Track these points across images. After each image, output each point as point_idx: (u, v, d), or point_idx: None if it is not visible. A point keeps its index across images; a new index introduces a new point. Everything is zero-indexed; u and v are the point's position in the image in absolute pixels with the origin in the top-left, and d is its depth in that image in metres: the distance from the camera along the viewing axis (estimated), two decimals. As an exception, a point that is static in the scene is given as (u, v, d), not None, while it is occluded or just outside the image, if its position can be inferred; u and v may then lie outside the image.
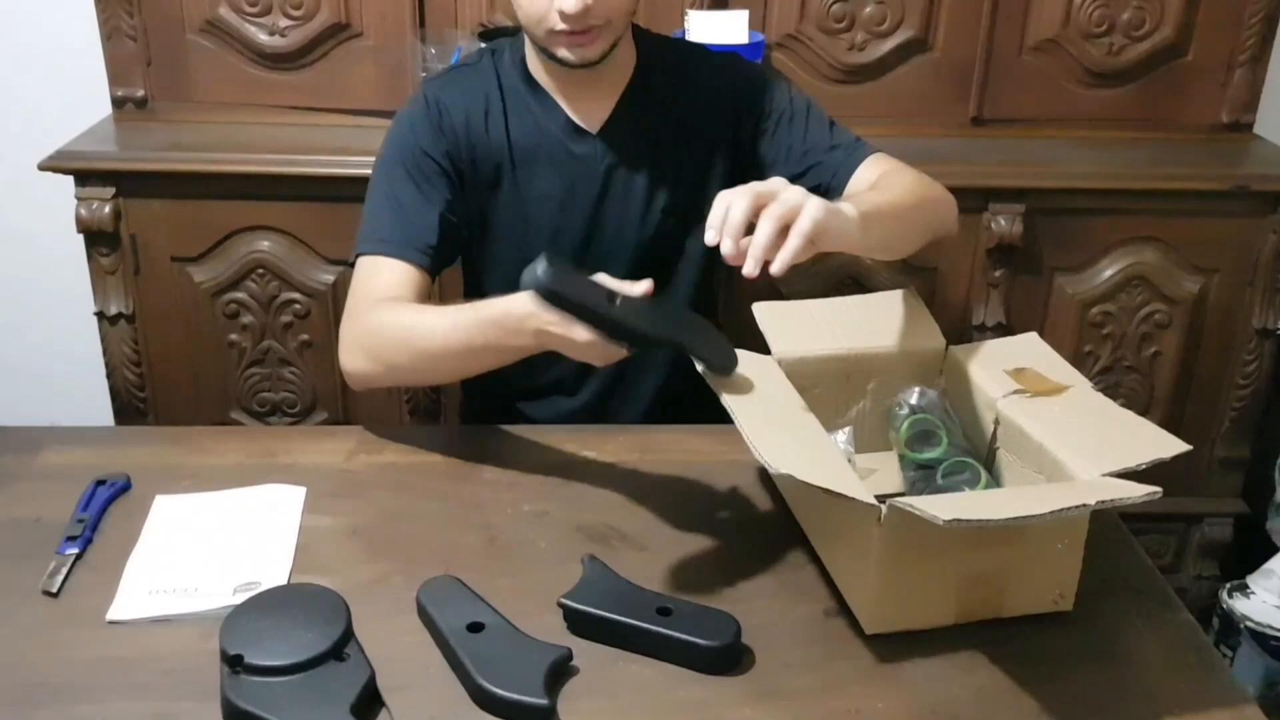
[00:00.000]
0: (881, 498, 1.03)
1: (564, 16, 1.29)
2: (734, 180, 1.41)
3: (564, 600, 1.06)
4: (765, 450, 1.05)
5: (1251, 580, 2.11)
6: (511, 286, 1.46)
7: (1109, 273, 2.04)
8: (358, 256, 1.40)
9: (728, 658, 1.02)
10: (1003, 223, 1.96)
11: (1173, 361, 2.11)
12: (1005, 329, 1.99)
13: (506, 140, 1.43)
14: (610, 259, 1.44)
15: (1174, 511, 2.20)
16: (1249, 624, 2.05)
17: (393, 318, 1.32)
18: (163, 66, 2.02)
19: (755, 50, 1.90)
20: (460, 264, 1.55)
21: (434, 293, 1.44)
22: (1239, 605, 2.09)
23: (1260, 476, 2.22)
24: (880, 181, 1.38)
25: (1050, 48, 2.07)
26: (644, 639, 1.03)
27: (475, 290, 1.54)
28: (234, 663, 0.94)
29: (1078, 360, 2.05)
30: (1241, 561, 2.20)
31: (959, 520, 0.94)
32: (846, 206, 1.15)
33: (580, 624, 1.06)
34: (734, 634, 1.02)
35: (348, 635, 0.98)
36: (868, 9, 2.02)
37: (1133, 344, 2.09)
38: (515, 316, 1.20)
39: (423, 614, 1.06)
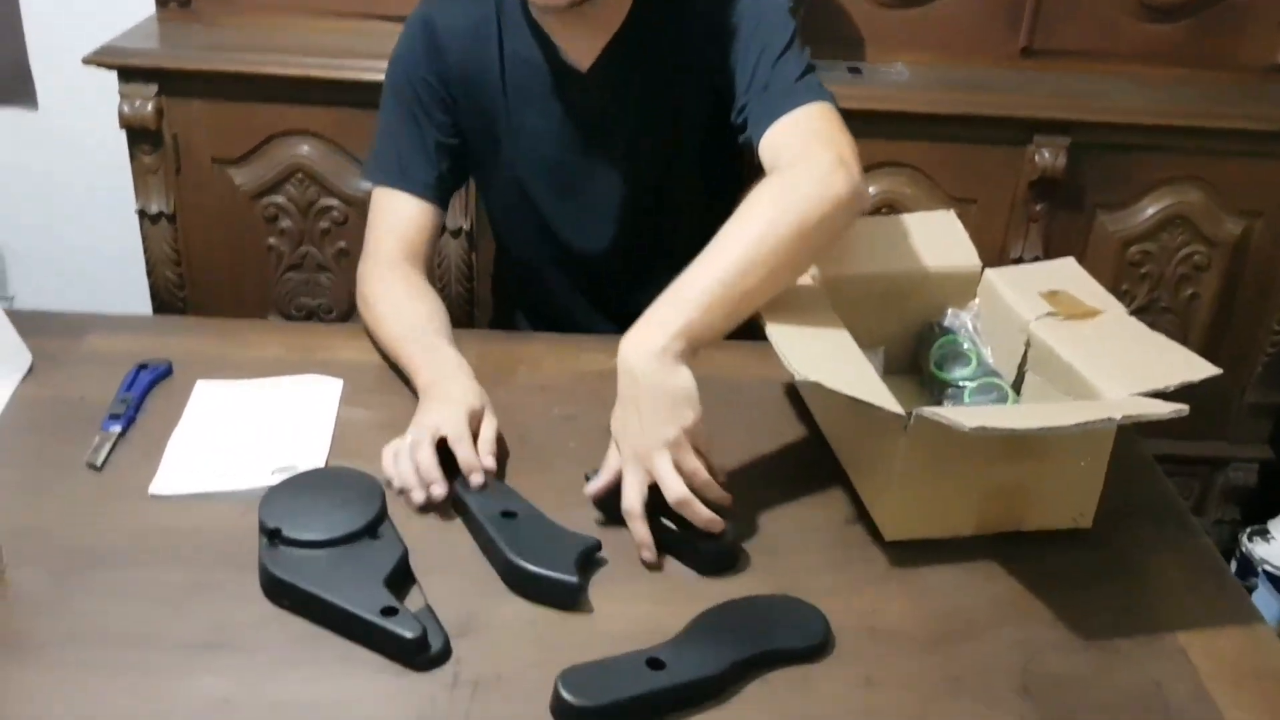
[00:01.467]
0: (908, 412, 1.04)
1: None
2: (720, 111, 1.37)
3: (590, 473, 1.10)
4: (794, 358, 1.07)
5: (1272, 525, 2.12)
6: (510, 212, 1.49)
7: (1151, 211, 2.03)
8: (371, 184, 1.43)
9: (717, 561, 1.04)
10: (1046, 156, 1.94)
11: (1209, 304, 2.10)
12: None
13: (500, 67, 1.39)
14: (602, 199, 1.44)
15: (1200, 455, 2.20)
16: (1267, 567, 2.07)
17: (385, 293, 1.37)
18: (206, -34, 2.03)
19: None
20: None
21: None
22: (1258, 549, 2.10)
23: (1288, 423, 2.23)
24: (740, 211, 1.15)
25: (1105, -21, 2.04)
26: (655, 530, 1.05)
27: (486, 204, 1.56)
28: (272, 535, 0.97)
29: (1115, 298, 2.04)
30: (1265, 507, 2.20)
31: (984, 429, 0.95)
32: (665, 345, 1.07)
33: (606, 507, 1.09)
34: (730, 538, 1.04)
35: (382, 515, 1.01)
36: (917, -64, 2.00)
37: (1170, 285, 2.08)
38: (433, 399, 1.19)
39: (458, 503, 1.09)
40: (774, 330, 1.13)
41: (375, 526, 1.00)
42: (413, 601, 0.96)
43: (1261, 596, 2.08)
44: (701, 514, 1.02)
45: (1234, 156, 1.99)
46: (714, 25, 1.35)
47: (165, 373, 1.30)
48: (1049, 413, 1.03)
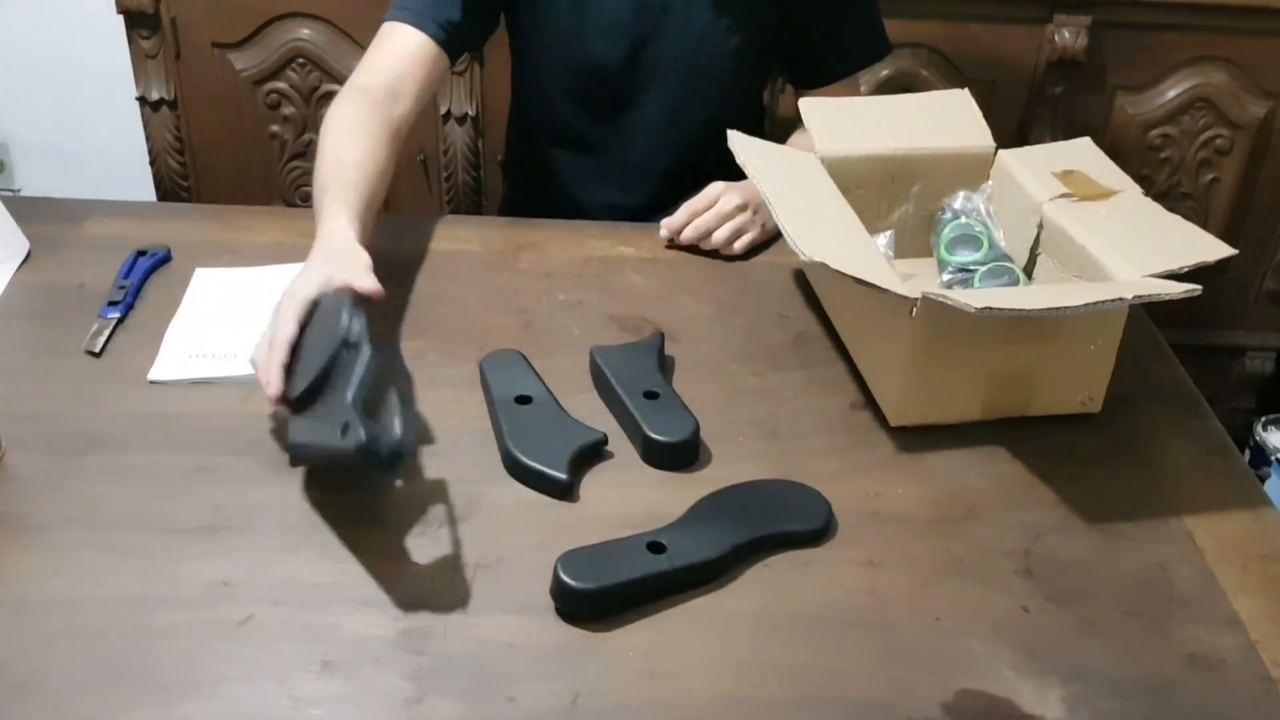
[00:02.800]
0: (916, 296, 1.02)
1: None
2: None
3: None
4: (799, 238, 1.05)
5: (1287, 415, 2.11)
6: (559, 67, 1.43)
7: (1172, 94, 1.97)
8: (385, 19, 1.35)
9: (675, 457, 1.02)
10: (1067, 35, 1.88)
11: (1230, 190, 2.05)
12: (1059, 148, 1.93)
13: None
14: (660, 69, 1.42)
15: (1217, 344, 2.17)
16: (1279, 456, 2.06)
17: (331, 127, 1.26)
18: None
19: None
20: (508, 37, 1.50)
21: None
22: (1272, 438, 2.09)
23: (1308, 313, 2.19)
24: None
25: None
26: (623, 419, 1.05)
27: (521, 66, 1.50)
28: (292, 407, 0.95)
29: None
30: (1278, 395, 2.19)
31: (991, 309, 0.94)
32: None
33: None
34: (690, 432, 1.02)
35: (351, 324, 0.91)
36: None
37: (1191, 169, 2.03)
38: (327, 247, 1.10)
39: (482, 380, 1.09)
40: (782, 212, 1.10)
41: (348, 342, 0.91)
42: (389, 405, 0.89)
43: (1274, 485, 2.07)
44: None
45: (1260, 35, 1.92)
46: None
47: (164, 259, 1.29)
48: (1058, 293, 1.01)
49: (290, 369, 0.96)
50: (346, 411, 0.85)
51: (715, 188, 1.35)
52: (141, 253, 1.28)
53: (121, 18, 1.91)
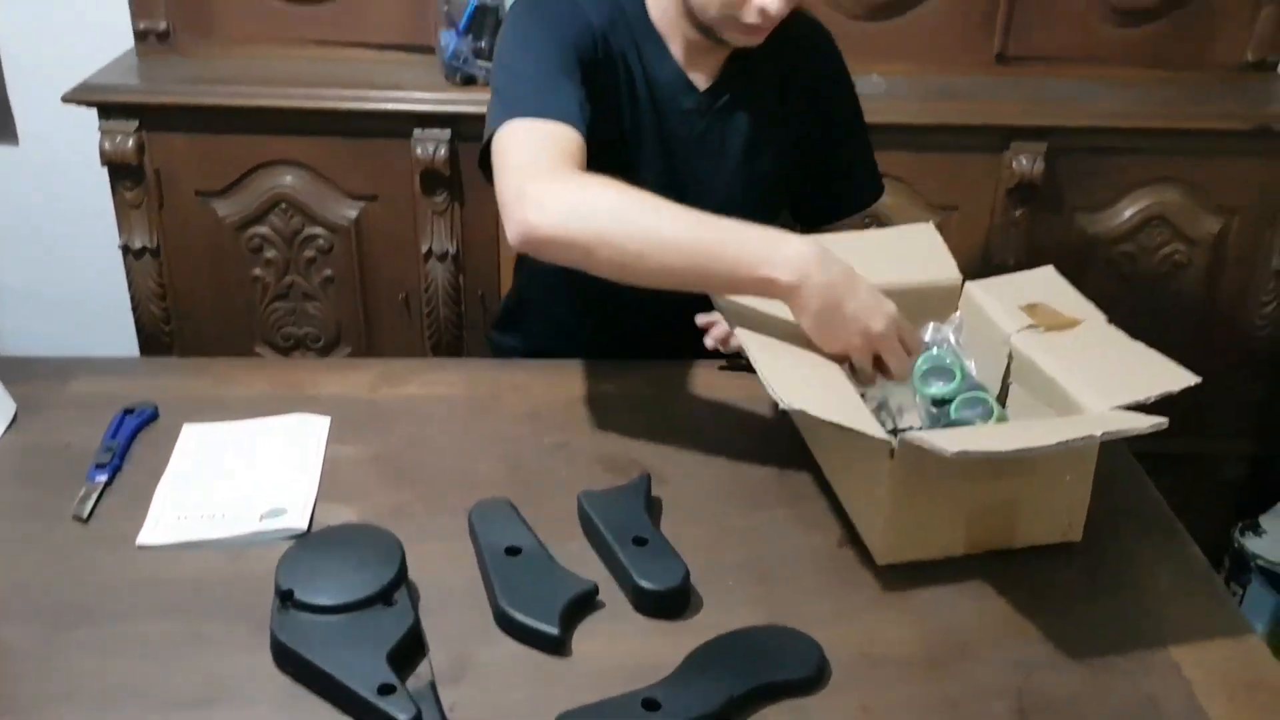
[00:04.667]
0: (897, 431, 1.04)
1: (763, 15, 1.27)
2: (807, 142, 1.50)
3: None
4: (778, 386, 1.07)
5: (1264, 519, 2.13)
6: None
7: (1130, 212, 2.04)
8: (502, 124, 1.23)
9: (666, 605, 1.02)
10: (1024, 162, 1.95)
11: (1192, 301, 2.11)
12: (1025, 269, 1.97)
13: (624, 65, 1.37)
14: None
15: (1188, 451, 2.20)
16: (1260, 562, 2.07)
17: (617, 187, 1.16)
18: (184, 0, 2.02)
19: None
20: None
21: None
22: (1250, 544, 2.10)
23: (1275, 417, 2.23)
24: None
25: (1075, -16, 2.05)
26: (613, 566, 1.06)
27: None
28: (285, 598, 0.95)
29: (1097, 299, 2.04)
30: (1254, 501, 2.21)
31: (966, 452, 0.96)
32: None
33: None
34: (680, 580, 1.02)
35: (399, 580, 0.98)
36: (891, -55, 2.01)
37: (1152, 283, 2.09)
38: (787, 251, 1.12)
39: (471, 532, 1.09)
40: (758, 356, 1.13)
41: (390, 593, 0.97)
42: (419, 677, 0.93)
43: (1256, 592, 2.08)
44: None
45: (1209, 155, 2.00)
46: (809, 65, 1.46)
47: (151, 417, 1.30)
48: (1030, 432, 1.04)
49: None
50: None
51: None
52: (128, 411, 1.29)
53: (106, 169, 1.95)
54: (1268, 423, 2.23)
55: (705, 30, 1.34)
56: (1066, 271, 2.01)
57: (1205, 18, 2.08)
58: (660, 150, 1.42)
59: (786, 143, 1.48)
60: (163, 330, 2.07)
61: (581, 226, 1.14)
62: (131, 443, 1.25)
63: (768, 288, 1.13)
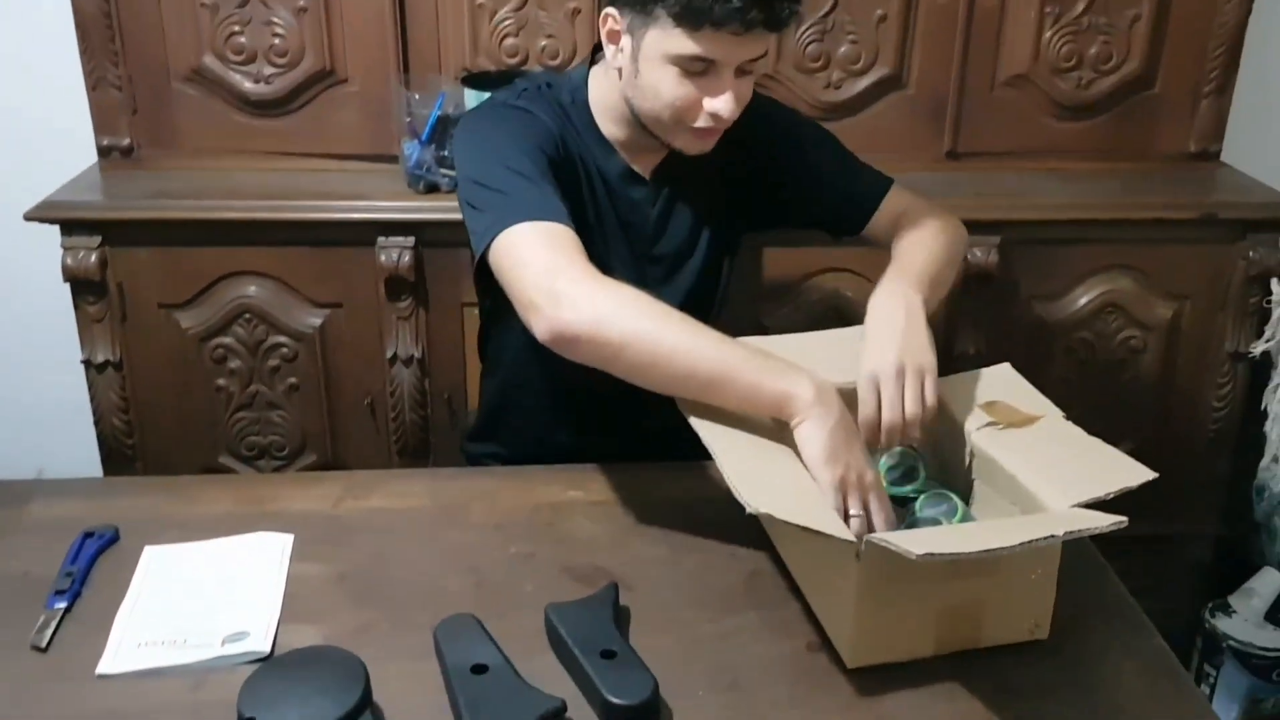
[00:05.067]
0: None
1: (715, 119, 1.32)
2: (766, 205, 1.54)
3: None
4: (744, 489, 1.08)
5: (1233, 600, 2.14)
6: None
7: (1084, 300, 2.08)
8: (502, 230, 1.27)
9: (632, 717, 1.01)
10: (979, 254, 1.99)
11: (1149, 386, 2.14)
12: (984, 358, 2.01)
13: (580, 163, 1.43)
14: (657, 291, 1.44)
15: (1154, 533, 2.21)
16: (1231, 643, 2.08)
17: (642, 294, 1.23)
18: (148, 115, 2.05)
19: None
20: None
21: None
22: (1221, 625, 2.11)
23: (1238, 497, 2.25)
24: (912, 235, 1.44)
25: (1021, 83, 2.12)
26: (581, 681, 1.05)
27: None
28: None
29: (1056, 386, 2.05)
30: (1222, 581, 2.22)
31: (931, 555, 0.97)
32: (912, 297, 1.30)
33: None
34: (649, 693, 1.01)
35: (363, 705, 0.96)
36: (843, 48, 2.07)
37: (1110, 369, 2.12)
38: (807, 375, 1.20)
39: (437, 650, 1.08)
40: (723, 458, 1.14)
41: (354, 718, 0.95)
42: None
43: (1229, 673, 2.08)
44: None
45: (1158, 243, 2.06)
46: (754, 136, 1.48)
47: (112, 539, 1.28)
48: (993, 532, 1.05)
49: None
50: None
51: (864, 381, 1.24)
52: (89, 534, 1.27)
53: (68, 285, 1.95)
54: (1232, 502, 2.25)
55: (656, 139, 1.38)
56: (1026, 360, 2.04)
57: (1147, 111, 2.15)
58: (623, 239, 1.46)
59: (732, 211, 1.52)
60: (125, 444, 2.05)
61: (615, 327, 1.20)
62: (92, 567, 1.23)
63: (785, 401, 1.19)
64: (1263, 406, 2.15)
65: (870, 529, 1.16)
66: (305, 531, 1.29)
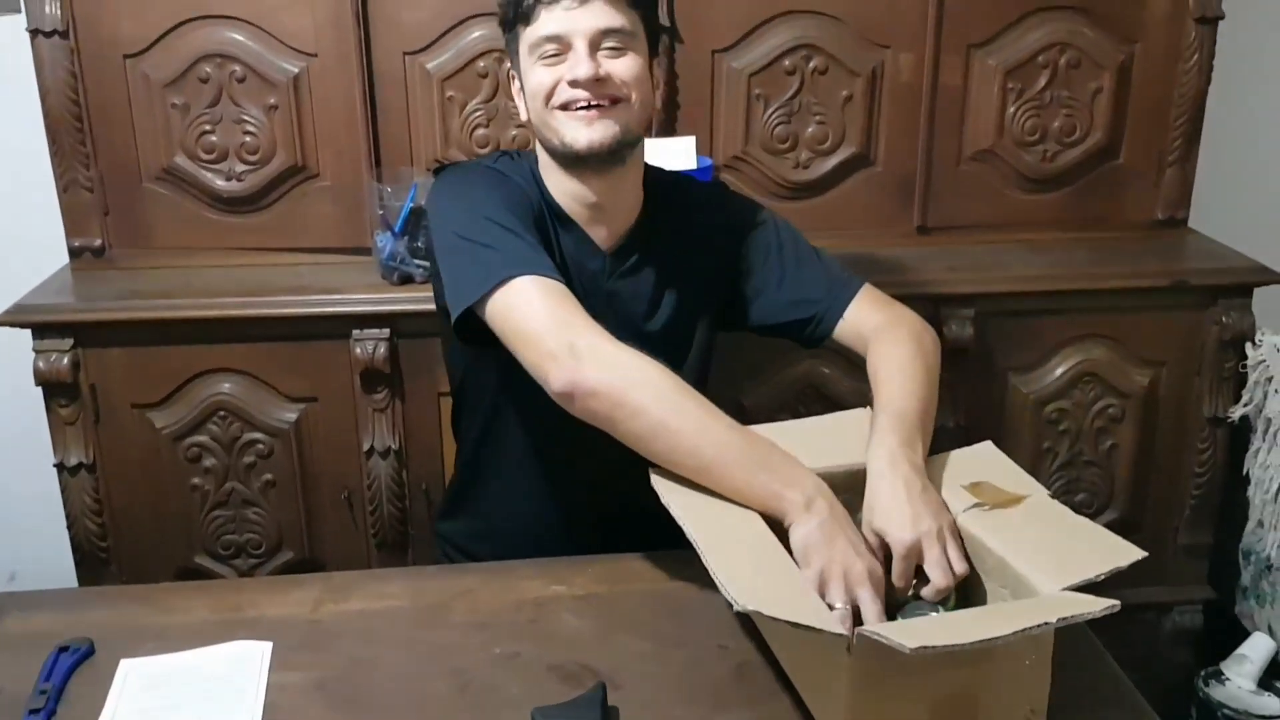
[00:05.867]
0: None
1: (576, 84, 1.33)
2: (728, 308, 1.53)
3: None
4: (732, 586, 1.07)
5: (1225, 666, 2.12)
6: (518, 382, 1.35)
7: (1060, 370, 2.09)
8: (500, 282, 1.29)
9: None
10: (954, 328, 2.00)
11: (1130, 453, 2.14)
12: (963, 430, 2.01)
13: (549, 232, 1.44)
14: None
15: (1143, 602, 2.21)
16: (1226, 711, 2.06)
17: (664, 368, 1.26)
18: (120, 215, 2.05)
19: (704, 174, 1.95)
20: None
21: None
22: (1215, 693, 2.09)
23: (1225, 561, 2.25)
24: (889, 361, 1.41)
25: (987, 157, 2.15)
26: None
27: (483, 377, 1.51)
28: None
29: (1037, 457, 2.09)
30: (1213, 648, 2.21)
31: (925, 648, 0.95)
32: (914, 458, 1.27)
33: None
34: None
35: None
36: (810, 129, 2.09)
37: (1089, 438, 2.12)
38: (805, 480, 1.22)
39: None
40: (709, 556, 1.12)
41: None
42: None
43: (1225, 743, 2.06)
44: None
45: (1131, 311, 2.07)
46: (714, 233, 1.51)
47: (87, 653, 1.25)
48: (986, 621, 1.04)
49: None
50: None
51: (903, 550, 1.20)
52: (63, 648, 1.24)
53: (40, 388, 1.93)
54: (1218, 567, 2.25)
55: (568, 160, 1.39)
56: (1006, 431, 2.06)
57: (1113, 181, 2.19)
58: (586, 306, 1.44)
59: (691, 296, 1.51)
60: (99, 546, 2.02)
61: (633, 390, 1.24)
62: (67, 682, 1.20)
63: (778, 500, 1.21)
64: (1245, 471, 2.15)
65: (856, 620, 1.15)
66: (284, 638, 1.27)
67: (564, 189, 1.44)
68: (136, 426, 1.98)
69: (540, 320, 1.27)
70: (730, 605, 1.04)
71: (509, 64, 1.44)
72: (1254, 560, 2.20)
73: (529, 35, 1.36)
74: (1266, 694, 2.09)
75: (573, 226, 1.45)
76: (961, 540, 1.22)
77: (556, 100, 1.35)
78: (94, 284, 2.01)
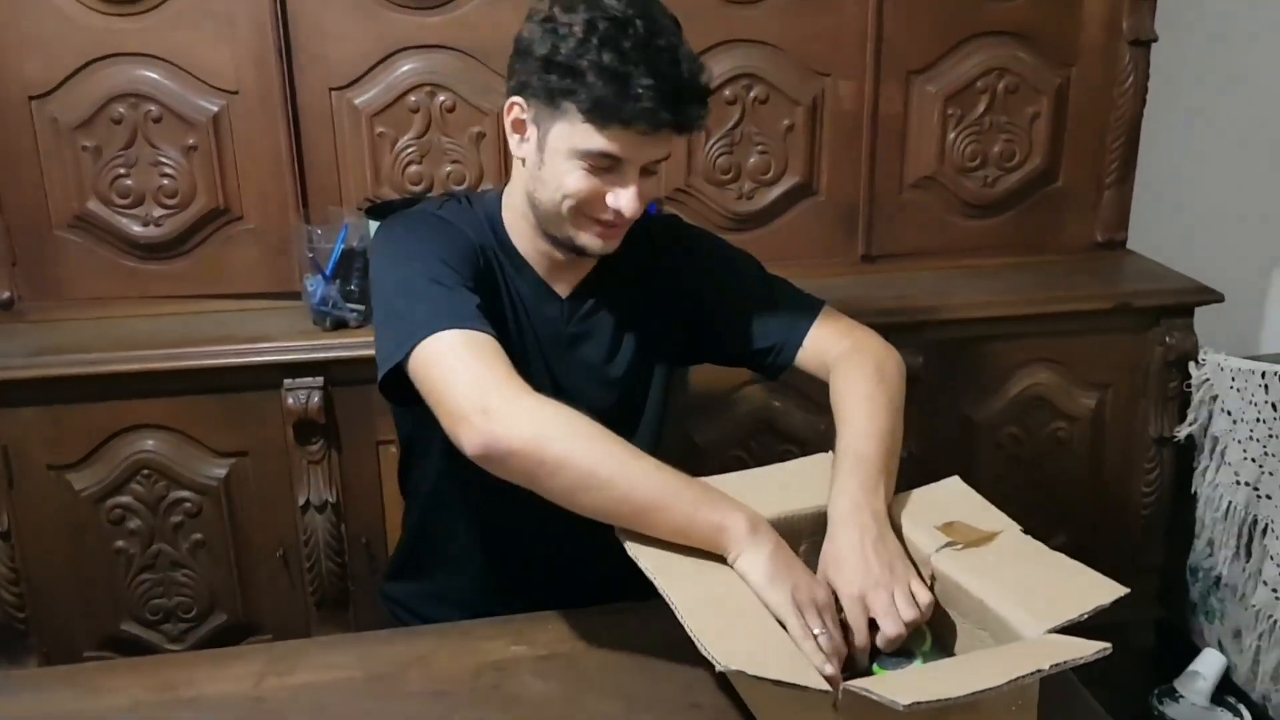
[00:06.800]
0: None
1: (617, 215, 1.28)
2: (687, 338, 1.49)
3: None
4: (711, 645, 1.02)
5: (1178, 684, 2.14)
6: None
7: (1010, 396, 2.08)
8: (424, 338, 1.21)
9: None
10: (905, 356, 1.95)
11: (1079, 476, 2.14)
12: (917, 459, 1.98)
13: (500, 276, 1.39)
14: (578, 409, 1.40)
15: (1098, 623, 2.17)
16: (1185, 729, 2.06)
17: (583, 418, 1.18)
18: (29, 266, 1.95)
19: (649, 207, 1.91)
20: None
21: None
22: (1170, 710, 2.10)
23: (1175, 580, 2.26)
24: (852, 391, 1.36)
25: (929, 184, 2.14)
26: None
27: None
28: None
29: (990, 483, 2.04)
30: (1167, 665, 2.21)
31: (919, 704, 0.91)
32: (876, 505, 1.23)
33: None
34: None
35: None
36: (752, 159, 2.07)
37: (1039, 462, 2.12)
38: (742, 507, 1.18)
39: None
40: (690, 621, 1.07)
41: None
42: None
43: (1185, 762, 2.06)
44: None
45: (1076, 334, 2.08)
46: (671, 267, 1.47)
47: (9, 746, 1.16)
48: (975, 670, 1.00)
49: None
50: None
51: (851, 603, 1.16)
52: (-19, 743, 1.15)
53: (-53, 454, 1.82)
54: (1169, 586, 2.25)
55: (560, 244, 1.34)
56: (958, 458, 2.04)
57: (1053, 205, 2.19)
58: (539, 354, 1.41)
59: (651, 335, 1.47)
60: (17, 619, 1.90)
61: (550, 446, 1.16)
62: (-13, 780, 1.11)
63: (718, 534, 1.16)
64: (1193, 490, 2.16)
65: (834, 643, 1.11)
66: (224, 715, 1.18)
67: (532, 244, 1.38)
68: (54, 489, 1.88)
69: (454, 378, 1.20)
70: (713, 665, 0.98)
71: (520, 105, 1.28)
72: (1201, 577, 2.21)
73: (581, 136, 1.24)
74: (1220, 709, 2.10)
75: (529, 273, 1.40)
76: (923, 583, 1.18)
77: (587, 211, 1.29)
78: (3, 340, 1.90)
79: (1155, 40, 2.09)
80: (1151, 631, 2.27)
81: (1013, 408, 2.08)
